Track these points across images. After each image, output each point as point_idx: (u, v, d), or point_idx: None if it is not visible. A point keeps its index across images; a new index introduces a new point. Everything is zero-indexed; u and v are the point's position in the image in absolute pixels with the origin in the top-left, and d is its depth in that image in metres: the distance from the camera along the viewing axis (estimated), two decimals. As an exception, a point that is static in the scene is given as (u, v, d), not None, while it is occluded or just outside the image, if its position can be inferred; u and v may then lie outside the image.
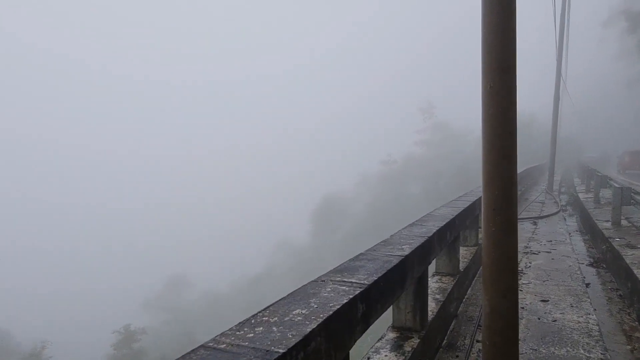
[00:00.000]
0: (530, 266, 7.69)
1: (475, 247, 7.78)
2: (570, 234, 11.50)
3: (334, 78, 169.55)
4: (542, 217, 13.25)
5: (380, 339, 3.97)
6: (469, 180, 44.31)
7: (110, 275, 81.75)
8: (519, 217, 13.28)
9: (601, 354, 4.26)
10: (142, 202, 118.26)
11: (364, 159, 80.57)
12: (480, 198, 3.71)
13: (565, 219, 13.82)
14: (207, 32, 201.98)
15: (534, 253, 8.73)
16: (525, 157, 39.87)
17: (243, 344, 1.79)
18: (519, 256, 8.46)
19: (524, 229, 11.44)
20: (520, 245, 9.44)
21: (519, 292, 6.34)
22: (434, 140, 61.18)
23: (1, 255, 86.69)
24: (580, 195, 16.96)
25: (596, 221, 10.88)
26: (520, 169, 21.49)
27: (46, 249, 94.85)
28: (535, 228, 11.64)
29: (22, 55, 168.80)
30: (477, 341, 4.71)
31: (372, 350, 3.76)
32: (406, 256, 3.50)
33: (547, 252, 8.82)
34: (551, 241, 9.90)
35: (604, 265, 8.41)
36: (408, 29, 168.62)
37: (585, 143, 47.27)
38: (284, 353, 1.71)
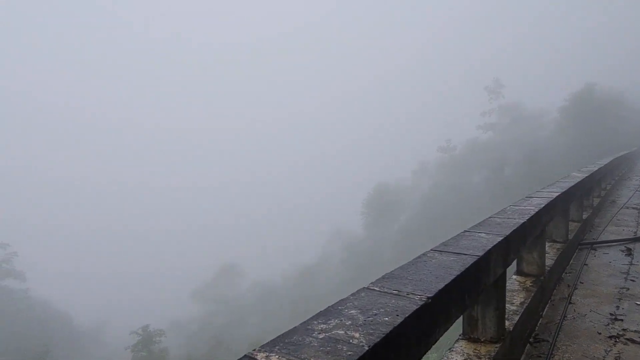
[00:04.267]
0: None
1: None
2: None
3: (391, 58, 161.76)
4: (641, 239, 8.43)
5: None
6: (541, 169, 38.24)
7: (164, 260, 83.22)
8: (598, 239, 8.62)
9: None
10: (204, 185, 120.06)
11: (422, 145, 74.85)
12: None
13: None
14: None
15: (632, 339, 4.35)
16: (614, 143, 33.11)
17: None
18: (599, 348, 4.17)
19: (610, 265, 6.87)
20: (603, 312, 5.05)
21: None
22: (501, 123, 54.50)
23: (68, 238, 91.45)
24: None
25: None
26: (606, 158, 16.14)
27: (113, 230, 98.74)
28: (631, 263, 6.99)
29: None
30: None
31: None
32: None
33: (661, 335, 4.39)
34: (664, 300, 5.35)
35: None
36: (471, 2, 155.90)
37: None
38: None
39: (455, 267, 2.67)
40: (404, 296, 2.19)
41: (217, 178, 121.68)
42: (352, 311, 2.01)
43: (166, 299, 66.26)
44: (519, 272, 5.35)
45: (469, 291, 2.77)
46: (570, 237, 7.32)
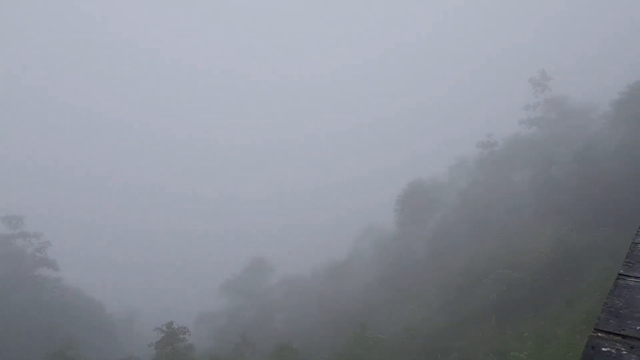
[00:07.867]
0: None
1: None
2: None
3: (430, 55, 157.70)
4: None
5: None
6: (593, 168, 35.26)
7: (196, 253, 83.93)
8: None
9: None
10: (233, 188, 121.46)
11: (462, 141, 71.74)
12: None
13: None
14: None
15: None
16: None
17: None
18: None
19: None
20: None
21: None
22: (547, 118, 51.09)
23: (110, 232, 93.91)
24: None
25: None
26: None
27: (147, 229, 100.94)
28: None
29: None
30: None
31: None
32: None
33: None
34: None
35: None
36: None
37: None
38: None
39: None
40: None
41: (260, 187, 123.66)
42: None
43: (197, 291, 66.47)
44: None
45: None
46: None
